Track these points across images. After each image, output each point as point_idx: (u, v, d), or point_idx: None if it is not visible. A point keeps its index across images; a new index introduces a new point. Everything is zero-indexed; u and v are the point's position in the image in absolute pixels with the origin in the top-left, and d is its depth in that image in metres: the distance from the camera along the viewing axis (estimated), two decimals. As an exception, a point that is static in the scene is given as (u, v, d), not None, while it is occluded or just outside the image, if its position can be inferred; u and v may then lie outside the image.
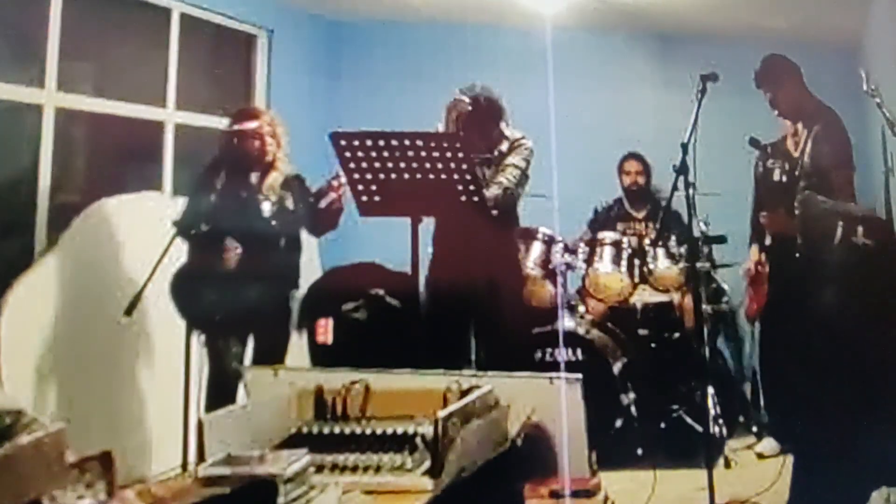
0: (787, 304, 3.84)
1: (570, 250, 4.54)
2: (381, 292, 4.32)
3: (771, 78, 4.10)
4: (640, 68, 5.69)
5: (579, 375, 2.28)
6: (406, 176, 3.22)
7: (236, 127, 3.80)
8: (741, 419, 4.70)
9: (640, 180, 5.10)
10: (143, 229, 3.96)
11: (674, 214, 4.24)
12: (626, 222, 5.06)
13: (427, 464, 1.78)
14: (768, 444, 4.27)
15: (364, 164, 3.22)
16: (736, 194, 4.36)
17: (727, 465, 4.04)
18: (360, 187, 3.29)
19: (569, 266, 4.50)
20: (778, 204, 4.07)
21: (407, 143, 3.17)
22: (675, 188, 3.40)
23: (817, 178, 3.93)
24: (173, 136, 4.66)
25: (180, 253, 3.65)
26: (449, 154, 3.20)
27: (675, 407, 4.40)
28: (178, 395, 3.65)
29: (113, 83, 4.38)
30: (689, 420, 4.33)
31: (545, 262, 4.48)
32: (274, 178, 3.79)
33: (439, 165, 3.21)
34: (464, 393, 2.06)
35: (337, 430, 2.03)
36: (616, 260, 4.55)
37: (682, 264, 4.51)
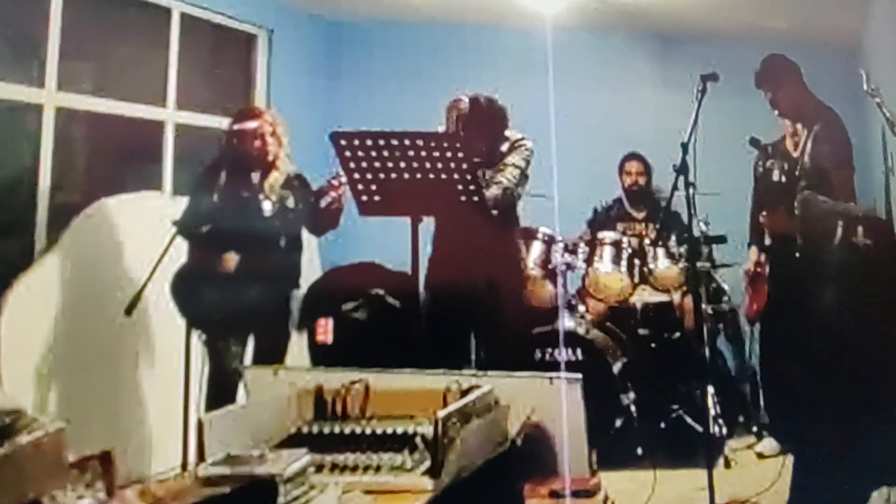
0: (788, 304, 3.84)
1: (571, 250, 4.54)
2: (381, 292, 4.31)
3: (771, 78, 4.09)
4: (640, 68, 5.69)
5: (579, 375, 2.28)
6: (406, 176, 3.22)
7: (237, 127, 3.80)
8: (741, 419, 4.70)
9: (641, 180, 5.10)
10: (143, 229, 3.96)
11: (674, 214, 4.25)
12: (626, 222, 5.06)
13: (427, 464, 1.78)
14: (768, 444, 4.27)
15: (364, 164, 3.22)
16: (736, 194, 4.36)
17: (727, 465, 4.04)
18: (360, 187, 3.29)
19: (569, 266, 4.50)
20: (778, 204, 4.07)
21: (407, 142, 3.17)
22: (675, 188, 3.40)
23: (817, 177, 3.93)
24: (173, 135, 4.66)
25: (180, 253, 3.65)
26: (449, 154, 3.19)
27: (675, 407, 4.40)
28: (178, 394, 3.64)
29: (113, 83, 4.37)
30: (689, 420, 4.33)
31: (545, 261, 4.48)
32: (275, 178, 3.79)
33: (439, 165, 3.20)
34: (464, 393, 2.06)
35: (337, 429, 2.02)
36: (616, 260, 4.55)
37: (682, 264, 4.51)
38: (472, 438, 1.87)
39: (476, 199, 3.32)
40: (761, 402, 4.56)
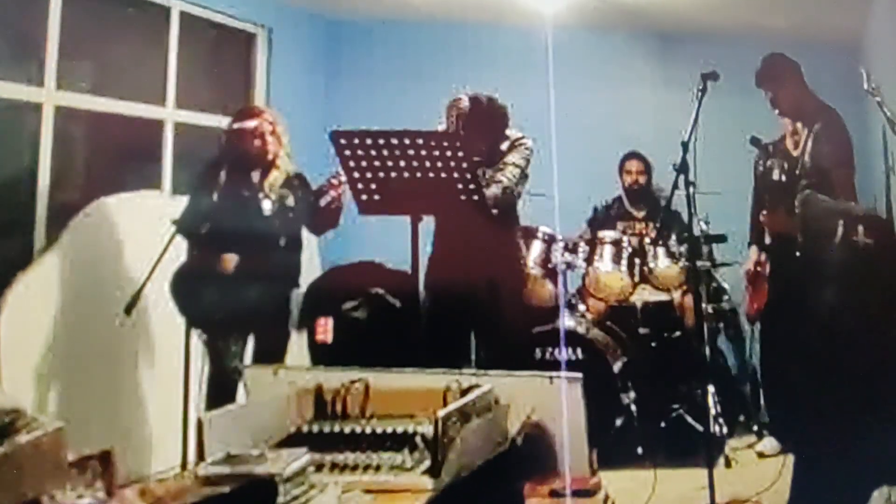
0: (788, 303, 3.83)
1: (571, 249, 4.53)
2: (381, 291, 4.31)
3: (772, 77, 4.09)
4: (640, 67, 5.68)
5: (580, 374, 2.28)
6: (406, 175, 3.21)
7: (237, 126, 3.80)
8: (742, 418, 4.70)
9: (641, 180, 5.10)
10: (143, 228, 3.96)
11: (674, 213, 4.24)
12: (626, 221, 5.06)
13: (427, 463, 1.77)
14: (769, 444, 4.27)
15: (364, 163, 3.22)
16: (736, 193, 4.35)
17: (728, 464, 4.04)
18: (360, 186, 3.28)
19: (569, 265, 4.49)
20: (778, 203, 4.07)
21: (407, 141, 3.17)
22: (675, 187, 3.40)
23: (818, 177, 3.93)
24: (173, 134, 4.66)
25: (180, 252, 3.64)
26: (449, 153, 3.19)
27: (676, 406, 4.40)
28: (178, 394, 3.64)
29: (112, 82, 4.37)
30: (689, 419, 4.33)
31: (545, 261, 4.48)
32: (275, 177, 3.79)
33: (439, 164, 3.20)
34: (464, 392, 2.06)
35: (337, 429, 2.02)
36: (616, 259, 4.55)
37: (682, 263, 4.50)
38: (472, 438, 1.87)
39: (476, 198, 3.31)
40: (762, 402, 4.55)
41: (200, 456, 1.75)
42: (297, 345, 4.18)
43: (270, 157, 3.80)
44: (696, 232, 4.16)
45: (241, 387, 3.10)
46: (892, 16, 4.53)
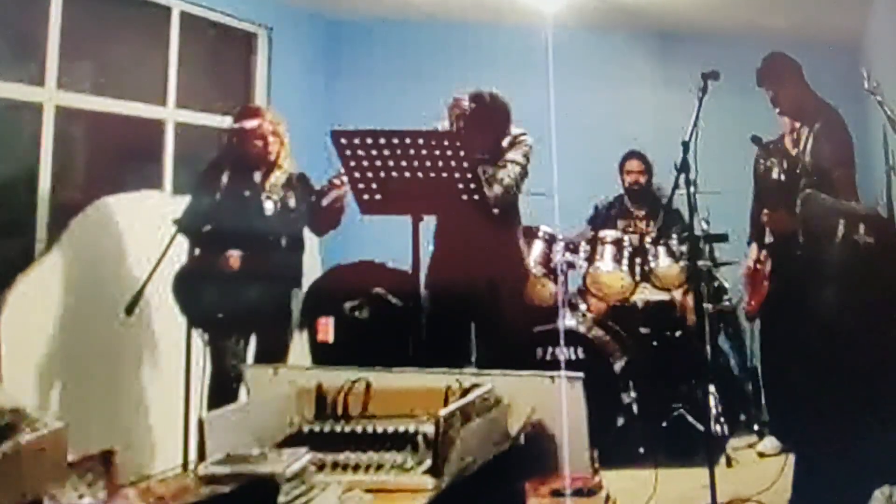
0: (789, 302, 3.83)
1: (572, 249, 4.53)
2: (383, 291, 4.31)
3: (772, 76, 4.09)
4: (640, 67, 5.68)
5: (580, 374, 2.27)
6: (407, 174, 3.21)
7: (239, 126, 3.80)
8: (743, 418, 4.69)
9: (642, 179, 5.09)
10: (144, 228, 3.96)
11: (675, 213, 4.24)
12: (627, 220, 5.06)
13: (428, 462, 1.77)
14: (769, 443, 4.27)
15: (365, 163, 3.22)
16: (737, 192, 4.35)
17: (729, 463, 4.04)
18: (361, 185, 3.28)
19: (570, 264, 4.49)
20: (778, 202, 4.07)
21: (408, 141, 3.17)
22: (676, 186, 3.40)
23: (819, 176, 3.93)
24: (173, 134, 4.66)
25: (181, 252, 3.64)
26: (450, 153, 3.19)
27: (677, 405, 4.40)
28: (179, 393, 3.64)
29: (113, 81, 4.37)
30: (690, 419, 4.32)
31: (546, 260, 4.47)
32: (277, 178, 3.80)
33: (440, 164, 3.20)
34: (465, 392, 2.06)
35: (338, 428, 2.02)
36: (617, 258, 4.54)
37: (683, 263, 4.50)
38: (473, 437, 1.87)
39: (477, 197, 3.31)
40: (762, 401, 4.55)
41: (201, 456, 1.75)
42: (299, 344, 4.19)
43: (272, 157, 3.80)
44: (697, 231, 4.16)
45: (242, 387, 3.10)
46: (892, 15, 4.53)
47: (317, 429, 2.03)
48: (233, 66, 5.22)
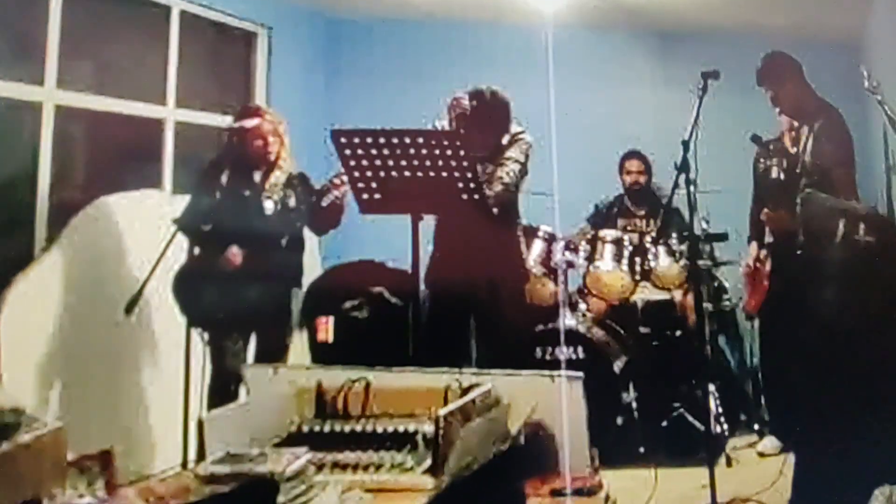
0: (788, 301, 3.82)
1: (571, 248, 4.53)
2: (382, 290, 4.31)
3: (773, 75, 4.09)
4: (640, 66, 5.68)
5: (580, 374, 2.28)
6: (406, 174, 3.21)
7: (239, 125, 3.79)
8: (743, 417, 4.69)
9: (641, 179, 5.09)
10: (143, 227, 3.96)
11: (675, 212, 4.24)
12: (627, 220, 5.06)
13: (428, 462, 1.77)
14: (770, 443, 4.27)
15: (364, 162, 3.21)
16: (737, 192, 4.35)
17: (729, 463, 4.03)
18: (361, 185, 3.28)
19: (570, 264, 4.49)
20: (778, 201, 4.07)
21: (407, 140, 3.16)
22: (676, 186, 3.40)
23: (819, 175, 3.93)
24: (173, 133, 4.66)
25: (181, 251, 3.64)
26: (449, 152, 3.19)
27: (677, 405, 4.39)
28: (179, 393, 3.64)
29: (112, 81, 4.37)
30: (690, 418, 4.32)
31: (546, 260, 4.47)
32: (277, 177, 3.79)
33: (440, 163, 3.20)
34: (465, 391, 2.06)
35: (337, 428, 2.02)
36: (617, 258, 4.54)
37: (683, 262, 4.50)
38: (473, 437, 1.86)
39: (477, 197, 3.31)
40: (763, 401, 4.55)
41: (201, 455, 1.75)
42: (298, 344, 4.18)
43: (272, 157, 3.80)
44: (697, 231, 4.16)
45: (242, 386, 3.10)
46: (892, 15, 4.53)
47: (316, 428, 2.03)
48: (232, 66, 5.21)
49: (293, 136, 3.91)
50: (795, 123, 4.10)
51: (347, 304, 4.33)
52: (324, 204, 3.72)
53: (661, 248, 4.54)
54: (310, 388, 2.14)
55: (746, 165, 4.32)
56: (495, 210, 3.64)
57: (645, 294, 4.68)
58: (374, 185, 3.26)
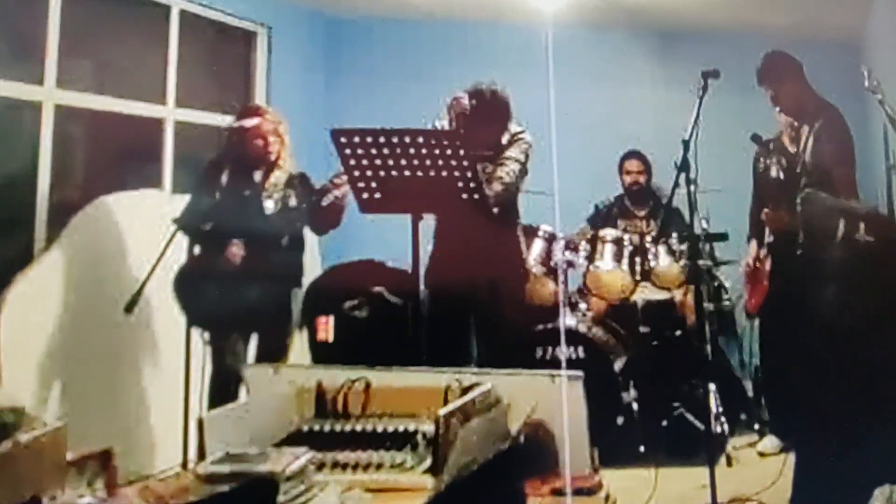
0: (789, 301, 3.82)
1: (572, 248, 4.53)
2: (382, 290, 4.31)
3: (773, 75, 4.09)
4: (640, 66, 5.68)
5: (580, 373, 2.27)
6: (407, 173, 3.21)
7: (239, 125, 3.79)
8: (743, 417, 4.69)
9: (641, 179, 5.09)
10: (143, 227, 3.96)
11: (675, 212, 4.23)
12: (627, 220, 5.06)
13: (428, 462, 1.77)
14: (770, 442, 4.26)
15: (365, 161, 3.21)
16: (737, 191, 4.35)
17: (729, 462, 4.03)
18: (361, 184, 3.28)
19: (570, 263, 4.49)
20: (778, 200, 4.06)
21: (407, 140, 3.16)
22: (676, 185, 3.39)
23: (819, 175, 3.92)
24: (173, 133, 4.66)
25: (181, 251, 3.64)
26: (449, 151, 3.19)
27: (677, 405, 4.39)
28: (179, 392, 3.64)
29: (112, 80, 4.37)
30: (690, 418, 4.32)
31: (546, 259, 4.47)
32: (277, 177, 3.79)
33: (440, 163, 3.20)
34: (465, 391, 2.06)
35: (337, 427, 2.02)
36: (617, 257, 4.54)
37: (683, 262, 4.50)
38: (473, 436, 1.86)
39: (477, 196, 3.31)
40: (763, 400, 4.55)
41: (201, 455, 1.75)
42: (298, 343, 4.18)
43: (273, 156, 3.80)
44: (697, 230, 4.15)
45: (242, 386, 3.10)
46: (892, 14, 4.53)
47: (316, 428, 2.03)
48: (232, 65, 5.21)
49: (293, 135, 3.91)
50: (794, 122, 4.10)
51: (347, 304, 4.32)
52: (324, 204, 3.72)
53: (662, 248, 4.53)
54: (310, 388, 2.14)
55: (746, 165, 4.31)
56: (495, 210, 3.64)
57: (645, 294, 4.67)
58: (374, 184, 3.26)
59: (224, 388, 3.54)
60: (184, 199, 3.85)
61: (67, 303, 3.72)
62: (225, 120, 3.97)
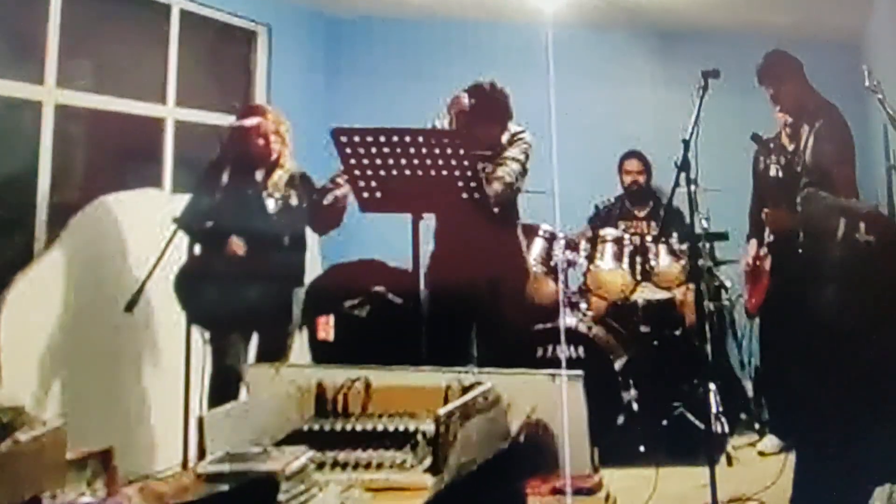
0: (789, 300, 3.83)
1: (572, 247, 4.53)
2: (383, 289, 4.31)
3: (773, 74, 4.09)
4: (640, 65, 5.68)
5: (581, 372, 2.27)
6: (407, 172, 3.20)
7: (240, 124, 3.79)
8: (743, 416, 4.69)
9: (641, 179, 5.09)
10: (144, 226, 3.96)
11: (675, 211, 4.23)
12: (627, 220, 5.06)
13: (428, 461, 1.77)
14: (770, 442, 4.27)
15: (365, 161, 3.21)
16: (737, 191, 4.35)
17: (729, 462, 4.03)
18: (361, 183, 3.27)
19: (570, 263, 4.49)
20: (778, 200, 4.06)
21: (408, 139, 3.16)
22: (676, 185, 3.39)
23: (819, 174, 3.92)
24: (173, 132, 4.66)
25: (181, 250, 3.64)
26: (450, 151, 3.18)
27: (677, 404, 4.39)
28: (179, 392, 3.64)
29: (112, 80, 4.37)
30: (690, 417, 4.32)
31: (547, 258, 4.47)
32: (279, 176, 3.79)
33: (440, 162, 3.19)
34: (465, 390, 2.06)
35: (338, 427, 2.02)
36: (618, 257, 4.54)
37: (683, 261, 4.50)
38: (474, 436, 1.86)
39: (477, 196, 3.30)
40: (763, 400, 4.55)
41: (201, 454, 1.75)
42: (299, 343, 4.18)
43: (274, 156, 3.80)
44: (698, 230, 4.15)
45: (242, 385, 3.10)
46: (892, 14, 4.53)
47: (317, 427, 2.03)
48: (232, 65, 5.21)
49: (293, 134, 3.91)
50: (793, 120, 4.10)
51: (348, 303, 4.33)
52: (325, 203, 3.72)
53: (662, 248, 4.54)
54: (310, 387, 2.14)
55: (746, 165, 4.32)
56: (496, 209, 3.64)
57: (645, 293, 4.67)
58: (374, 183, 3.26)
59: (224, 387, 3.54)
60: (184, 199, 3.85)
61: (67, 303, 3.72)
62: (225, 119, 3.97)
